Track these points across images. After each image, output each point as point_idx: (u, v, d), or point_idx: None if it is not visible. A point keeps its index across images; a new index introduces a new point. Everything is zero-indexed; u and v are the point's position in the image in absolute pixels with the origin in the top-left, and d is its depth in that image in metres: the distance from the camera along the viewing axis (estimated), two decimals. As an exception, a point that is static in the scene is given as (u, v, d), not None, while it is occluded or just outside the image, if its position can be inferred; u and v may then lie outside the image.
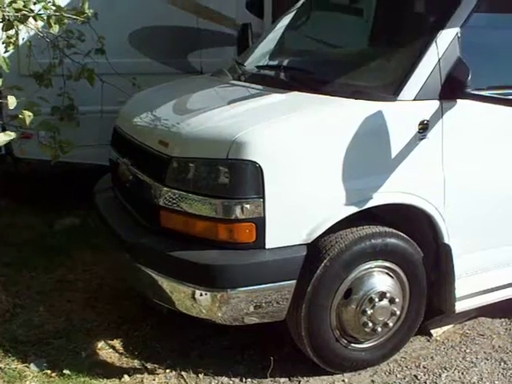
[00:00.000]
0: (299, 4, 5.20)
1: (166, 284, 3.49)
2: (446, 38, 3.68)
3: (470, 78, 3.54)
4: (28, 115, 3.40)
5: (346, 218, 3.48)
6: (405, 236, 3.71)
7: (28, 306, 4.44)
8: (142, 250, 3.59)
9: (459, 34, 3.70)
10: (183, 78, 5.63)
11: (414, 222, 3.78)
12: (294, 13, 5.18)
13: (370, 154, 3.52)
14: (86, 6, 4.18)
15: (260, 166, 3.28)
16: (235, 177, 3.32)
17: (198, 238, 3.45)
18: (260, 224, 3.33)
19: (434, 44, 3.66)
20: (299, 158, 3.38)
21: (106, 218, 4.16)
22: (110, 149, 4.51)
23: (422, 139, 3.61)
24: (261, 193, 3.29)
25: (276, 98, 3.88)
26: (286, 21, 5.17)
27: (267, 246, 3.37)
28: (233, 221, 3.33)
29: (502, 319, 4.39)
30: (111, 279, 4.79)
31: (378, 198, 3.53)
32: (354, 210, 3.47)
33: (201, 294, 3.39)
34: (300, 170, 3.38)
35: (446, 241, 3.77)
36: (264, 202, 3.30)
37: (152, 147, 3.75)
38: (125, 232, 3.83)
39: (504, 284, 4.14)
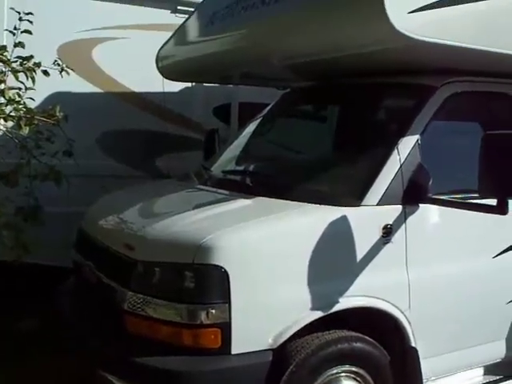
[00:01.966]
0: (265, 111, 5.37)
1: (128, 391, 3.41)
2: (407, 144, 3.81)
3: (431, 183, 3.66)
4: (-6, 213, 3.40)
5: (312, 322, 3.46)
6: (371, 340, 3.68)
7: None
8: (105, 356, 3.52)
9: (420, 141, 3.83)
10: (150, 182, 5.70)
11: (380, 326, 3.77)
12: (259, 119, 5.34)
13: (335, 259, 3.56)
14: (57, 108, 4.24)
15: (226, 271, 3.28)
16: (201, 282, 3.31)
17: (163, 343, 3.39)
18: (226, 329, 3.29)
19: (395, 151, 3.78)
20: (265, 263, 3.40)
21: (69, 321, 4.09)
22: (74, 251, 4.49)
23: (386, 243, 3.66)
24: (226, 298, 3.28)
25: (242, 203, 3.92)
26: (252, 127, 5.32)
27: (233, 352, 3.33)
28: (198, 326, 3.30)
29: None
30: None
31: (344, 302, 3.53)
32: (319, 314, 3.46)
33: (164, 402, 3.31)
34: (266, 275, 3.39)
35: (413, 344, 3.76)
36: (230, 307, 3.28)
37: (117, 250, 3.75)
38: (88, 337, 3.75)
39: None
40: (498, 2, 3.66)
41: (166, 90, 6.55)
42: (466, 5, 3.53)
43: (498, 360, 4.28)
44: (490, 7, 3.64)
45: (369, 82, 4.49)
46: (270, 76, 5.43)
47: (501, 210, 3.37)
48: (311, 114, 5.33)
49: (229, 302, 3.28)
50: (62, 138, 4.65)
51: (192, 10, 5.93)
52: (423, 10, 3.39)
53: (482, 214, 3.51)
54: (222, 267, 3.28)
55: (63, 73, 4.40)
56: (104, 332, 3.71)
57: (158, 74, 5.82)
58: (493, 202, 3.39)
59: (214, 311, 3.28)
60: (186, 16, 5.94)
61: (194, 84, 6.77)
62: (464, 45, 3.53)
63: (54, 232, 5.25)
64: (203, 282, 3.32)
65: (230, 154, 5.15)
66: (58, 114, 4.24)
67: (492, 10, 3.66)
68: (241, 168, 5.00)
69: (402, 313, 3.71)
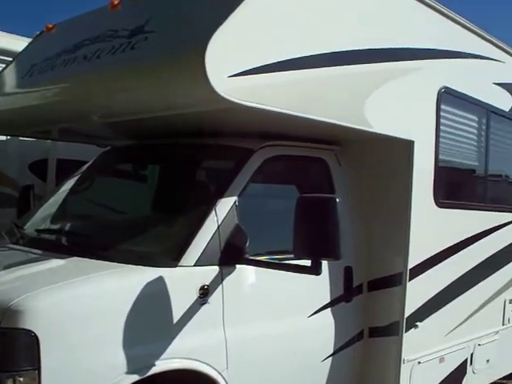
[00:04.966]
0: (83, 168, 5.25)
1: None
2: (225, 206, 3.88)
3: (247, 244, 3.74)
4: None
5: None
6: None
7: None
8: None
9: (237, 203, 3.91)
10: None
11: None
12: (78, 177, 5.21)
13: (150, 321, 3.49)
14: None
15: (36, 335, 3.09)
16: (8, 347, 3.10)
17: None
18: (35, 398, 3.10)
19: (213, 212, 3.83)
20: (78, 326, 3.25)
21: None
22: None
23: (203, 304, 3.67)
24: (36, 364, 3.08)
25: (56, 263, 3.77)
26: (69, 184, 5.19)
27: (44, 421, 3.13)
28: (4, 396, 3.09)
29: None
30: None
31: (161, 365, 3.47)
32: (135, 378, 3.36)
33: None
34: (79, 339, 3.24)
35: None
36: (40, 374, 3.08)
37: None
38: None
39: None
40: (310, 72, 3.86)
41: (-22, 142, 6.26)
42: (282, 73, 3.68)
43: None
44: (304, 76, 3.82)
45: (189, 143, 4.55)
46: (91, 133, 5.35)
47: (315, 270, 3.51)
48: (130, 173, 5.29)
49: (39, 369, 3.10)
50: None
51: (10, 59, 5.74)
52: (242, 75, 3.48)
53: (297, 274, 3.62)
54: (31, 331, 3.09)
55: None
56: None
57: (-30, 124, 5.52)
58: (307, 262, 3.51)
59: (21, 379, 3.08)
60: (3, 66, 5.74)
61: (8, 137, 6.50)
62: (278, 110, 3.65)
63: None
64: (10, 348, 3.11)
65: (45, 211, 4.97)
66: None
67: (305, 79, 3.84)
68: (56, 227, 4.83)
69: (220, 373, 3.72)
